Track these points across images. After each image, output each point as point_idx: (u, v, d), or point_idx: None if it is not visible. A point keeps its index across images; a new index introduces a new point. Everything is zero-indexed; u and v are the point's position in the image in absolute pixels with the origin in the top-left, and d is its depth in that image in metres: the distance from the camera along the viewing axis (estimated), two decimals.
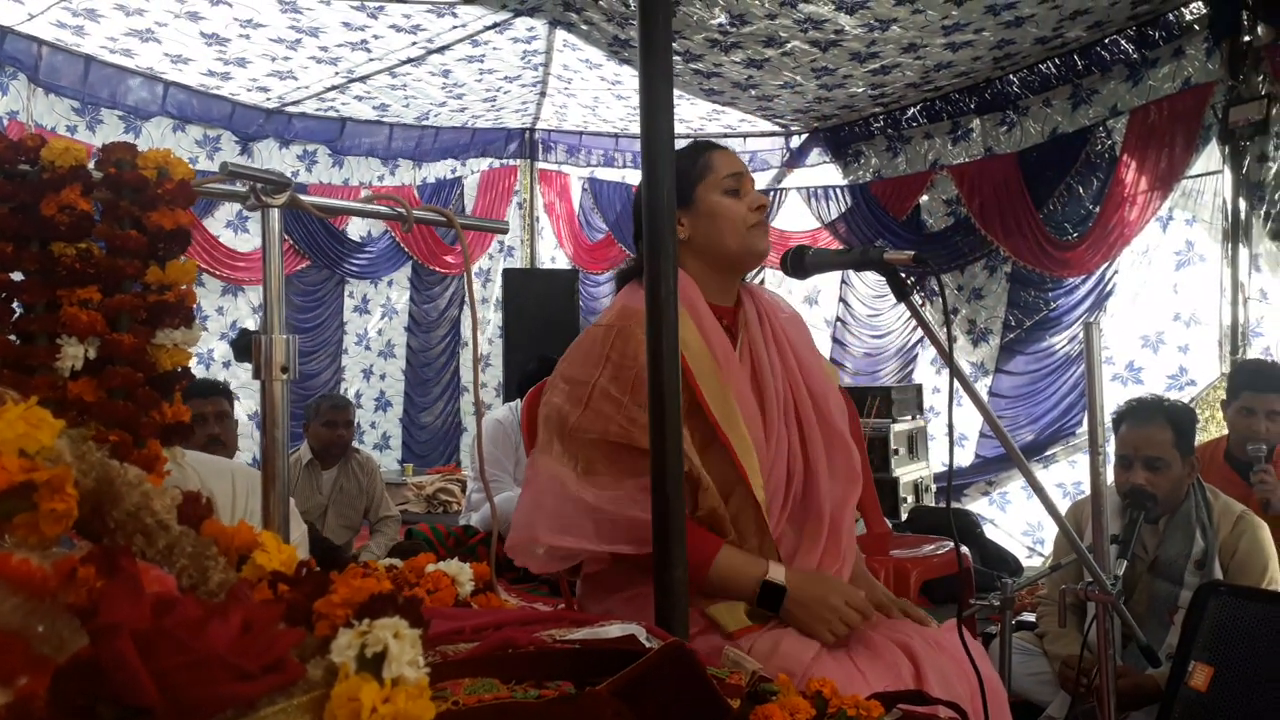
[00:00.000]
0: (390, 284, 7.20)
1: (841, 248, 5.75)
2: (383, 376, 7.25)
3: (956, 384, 1.49)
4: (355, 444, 4.62)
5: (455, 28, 5.18)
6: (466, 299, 7.26)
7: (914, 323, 5.92)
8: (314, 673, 0.52)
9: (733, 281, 1.76)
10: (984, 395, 5.43)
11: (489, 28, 5.25)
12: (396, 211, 1.40)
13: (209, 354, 6.07)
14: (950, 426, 1.62)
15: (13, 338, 1.16)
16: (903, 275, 1.56)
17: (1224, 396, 3.51)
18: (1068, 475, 5.39)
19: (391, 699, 0.50)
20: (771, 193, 6.73)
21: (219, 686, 0.46)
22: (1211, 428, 5.21)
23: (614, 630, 1.18)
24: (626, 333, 1.58)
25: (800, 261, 1.63)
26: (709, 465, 1.57)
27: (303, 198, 1.31)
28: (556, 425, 1.59)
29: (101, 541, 0.61)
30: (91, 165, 1.21)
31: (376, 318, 7.16)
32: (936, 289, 5.84)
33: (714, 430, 1.57)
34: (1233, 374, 3.63)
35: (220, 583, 0.64)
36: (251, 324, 6.19)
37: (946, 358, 1.46)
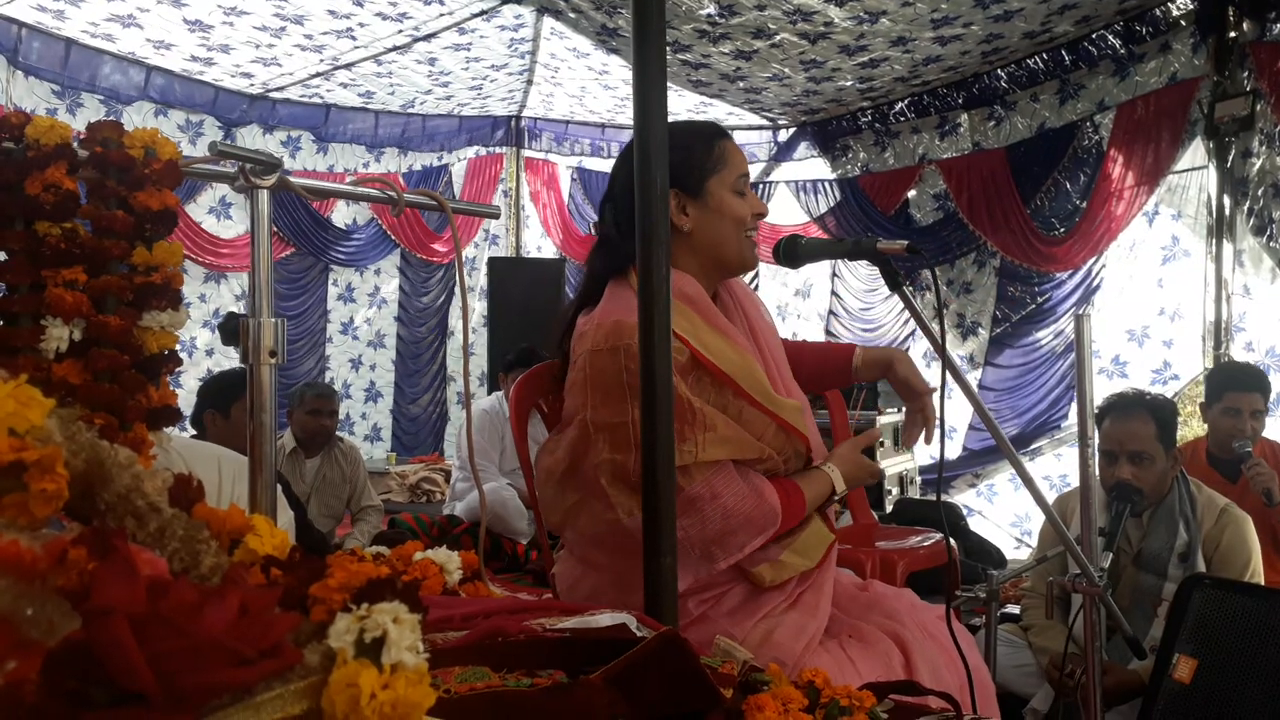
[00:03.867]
0: (378, 272, 7.14)
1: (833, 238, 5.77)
2: (372, 367, 7.20)
3: (948, 376, 1.49)
4: (342, 433, 4.59)
5: (442, 15, 5.14)
6: (456, 286, 7.22)
7: (905, 316, 5.91)
8: (311, 658, 0.51)
9: (716, 282, 1.73)
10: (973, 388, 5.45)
11: (476, 15, 5.21)
12: (387, 195, 1.38)
13: (191, 342, 6.00)
14: (941, 419, 1.62)
15: None
16: (895, 266, 1.56)
17: (1202, 398, 3.55)
18: (1054, 468, 5.42)
19: (391, 684, 0.49)
20: (759, 185, 6.72)
21: (216, 671, 0.45)
22: (1194, 423, 5.25)
23: (604, 619, 1.17)
24: (633, 352, 1.51)
25: (794, 250, 1.63)
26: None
27: (292, 179, 1.29)
28: (624, 478, 1.53)
29: (91, 523, 0.60)
30: (76, 144, 1.19)
31: (365, 307, 7.11)
32: (927, 283, 5.86)
33: (771, 422, 1.59)
34: (1212, 375, 3.66)
35: (212, 566, 0.62)
36: (236, 310, 6.12)
37: (939, 349, 1.45)
